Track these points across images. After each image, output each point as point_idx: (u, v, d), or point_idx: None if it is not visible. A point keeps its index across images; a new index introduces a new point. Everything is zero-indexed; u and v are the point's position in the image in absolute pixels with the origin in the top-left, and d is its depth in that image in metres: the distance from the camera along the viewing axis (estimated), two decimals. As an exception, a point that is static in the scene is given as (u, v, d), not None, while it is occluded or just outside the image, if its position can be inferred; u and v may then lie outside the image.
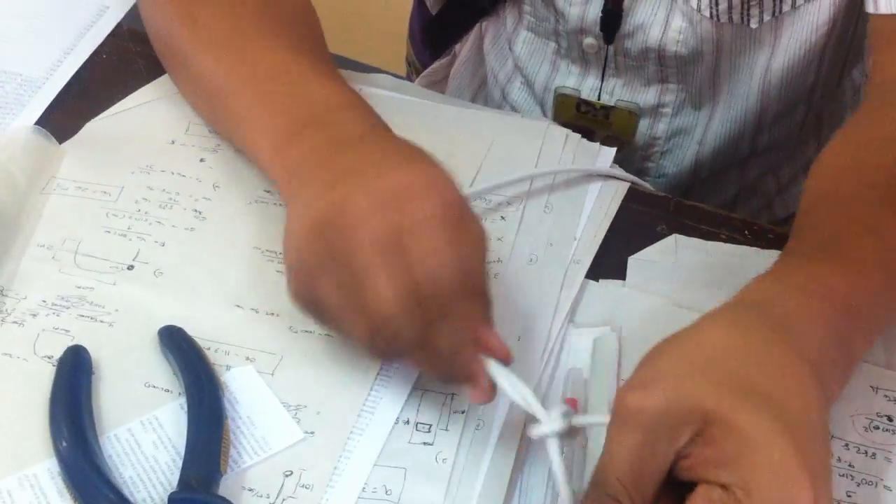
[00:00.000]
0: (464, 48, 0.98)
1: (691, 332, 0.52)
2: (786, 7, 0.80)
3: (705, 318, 0.53)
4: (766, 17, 0.80)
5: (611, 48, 0.85)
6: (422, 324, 0.55)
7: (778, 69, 0.85)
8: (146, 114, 0.82)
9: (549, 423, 0.55)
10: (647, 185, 0.78)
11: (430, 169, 0.58)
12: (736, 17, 0.80)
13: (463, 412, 0.63)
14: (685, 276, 0.71)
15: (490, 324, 0.58)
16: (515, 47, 0.91)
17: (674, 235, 0.73)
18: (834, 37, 0.85)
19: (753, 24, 0.80)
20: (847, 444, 0.62)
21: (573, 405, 0.63)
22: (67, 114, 0.82)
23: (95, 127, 0.81)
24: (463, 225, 0.57)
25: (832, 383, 0.53)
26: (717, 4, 0.79)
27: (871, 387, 0.64)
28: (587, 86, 0.89)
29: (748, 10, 0.79)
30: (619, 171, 0.77)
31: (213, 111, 0.76)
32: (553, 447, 0.55)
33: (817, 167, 0.68)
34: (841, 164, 0.67)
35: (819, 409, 0.48)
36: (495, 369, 0.57)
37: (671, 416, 0.47)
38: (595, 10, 0.82)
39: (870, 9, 0.72)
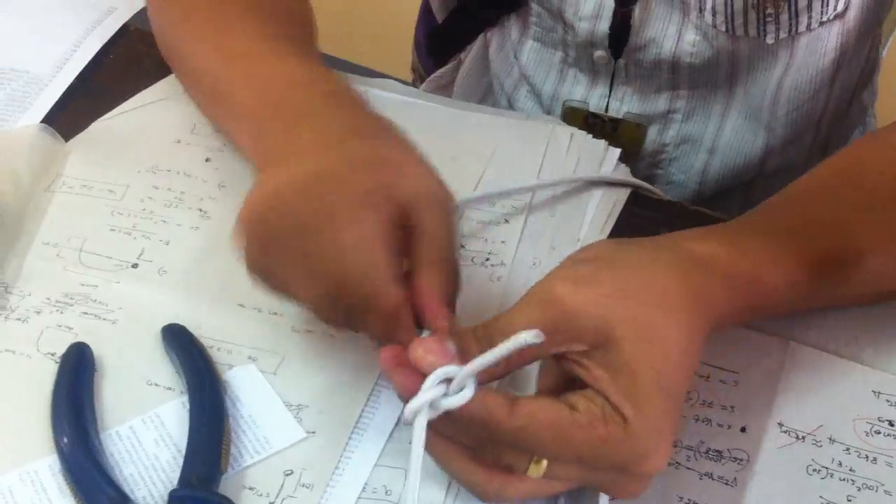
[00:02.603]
0: (469, 56, 0.98)
1: (636, 255, 0.55)
2: (801, 27, 0.80)
3: (653, 252, 0.56)
4: (783, 35, 0.80)
5: (621, 60, 0.85)
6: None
7: (788, 88, 0.85)
8: (152, 113, 0.82)
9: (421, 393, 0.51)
10: (655, 190, 0.78)
11: (364, 149, 0.59)
12: (752, 32, 0.80)
13: (464, 413, 0.63)
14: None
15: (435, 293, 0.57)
16: (521, 56, 0.91)
17: (677, 240, 0.73)
18: (844, 66, 0.86)
19: (769, 40, 0.80)
20: (848, 449, 0.62)
21: None
22: (74, 113, 0.82)
23: (101, 126, 0.81)
24: (379, 205, 0.56)
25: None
26: (732, 20, 0.79)
27: (873, 391, 0.64)
28: (596, 94, 0.89)
29: (764, 25, 0.79)
30: (624, 177, 0.77)
31: (206, 103, 0.79)
32: (420, 423, 0.52)
33: (822, 164, 0.69)
34: (843, 165, 0.68)
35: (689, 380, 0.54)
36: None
37: (583, 321, 0.52)
38: (605, 24, 0.83)
39: None
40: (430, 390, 0.51)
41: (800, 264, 0.59)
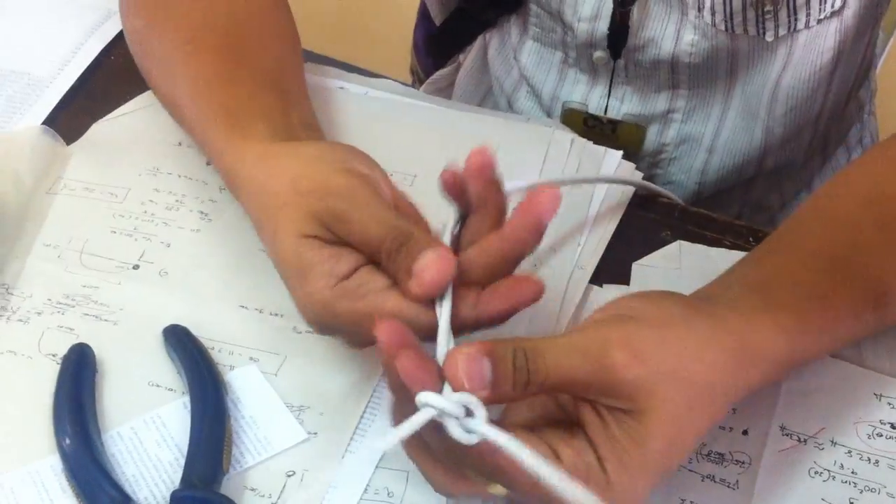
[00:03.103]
0: (468, 57, 0.98)
1: (706, 333, 0.54)
2: (800, 25, 0.80)
3: (722, 336, 0.54)
4: (782, 32, 0.81)
5: (620, 60, 0.85)
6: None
7: (786, 86, 0.85)
8: (153, 116, 0.82)
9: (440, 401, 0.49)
10: (661, 191, 0.78)
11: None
12: (752, 30, 0.80)
13: (466, 415, 0.63)
14: (689, 283, 0.70)
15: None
16: (521, 57, 0.91)
17: (678, 242, 0.74)
18: (841, 64, 0.86)
19: (769, 38, 0.81)
20: (850, 452, 0.62)
21: None
22: (75, 115, 0.82)
23: (102, 128, 0.81)
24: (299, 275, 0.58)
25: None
26: (731, 18, 0.79)
27: (875, 394, 0.64)
28: (596, 94, 0.89)
29: (763, 23, 0.80)
30: (633, 177, 0.77)
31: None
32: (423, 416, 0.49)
33: (840, 186, 0.68)
34: (865, 197, 0.66)
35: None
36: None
37: (627, 388, 0.50)
38: (604, 25, 0.83)
39: None
40: (452, 406, 0.48)
41: (837, 334, 0.61)
